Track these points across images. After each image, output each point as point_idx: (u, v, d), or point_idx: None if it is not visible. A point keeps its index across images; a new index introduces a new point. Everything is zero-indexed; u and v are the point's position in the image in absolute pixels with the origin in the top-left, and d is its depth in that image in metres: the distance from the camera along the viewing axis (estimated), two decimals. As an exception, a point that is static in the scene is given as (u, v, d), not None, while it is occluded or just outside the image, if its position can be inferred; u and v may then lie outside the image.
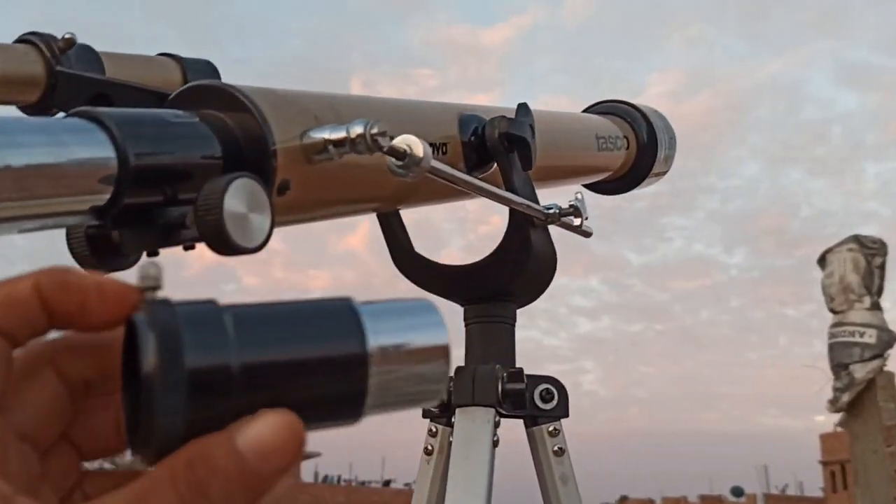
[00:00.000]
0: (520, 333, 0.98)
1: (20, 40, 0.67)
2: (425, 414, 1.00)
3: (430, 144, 0.80)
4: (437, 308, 0.36)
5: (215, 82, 0.62)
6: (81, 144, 0.50)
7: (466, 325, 0.97)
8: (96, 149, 0.50)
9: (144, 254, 0.56)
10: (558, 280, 0.96)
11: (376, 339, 0.34)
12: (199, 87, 0.62)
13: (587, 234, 1.03)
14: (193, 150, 0.57)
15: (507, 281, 0.94)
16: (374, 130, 0.61)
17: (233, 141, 0.60)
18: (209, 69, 0.85)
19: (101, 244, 0.58)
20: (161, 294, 0.32)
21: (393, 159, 0.67)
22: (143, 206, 0.54)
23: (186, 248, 0.59)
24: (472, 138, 0.88)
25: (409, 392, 0.35)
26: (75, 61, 0.67)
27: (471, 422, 0.89)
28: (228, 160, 0.59)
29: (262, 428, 0.30)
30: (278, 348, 0.32)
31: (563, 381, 0.96)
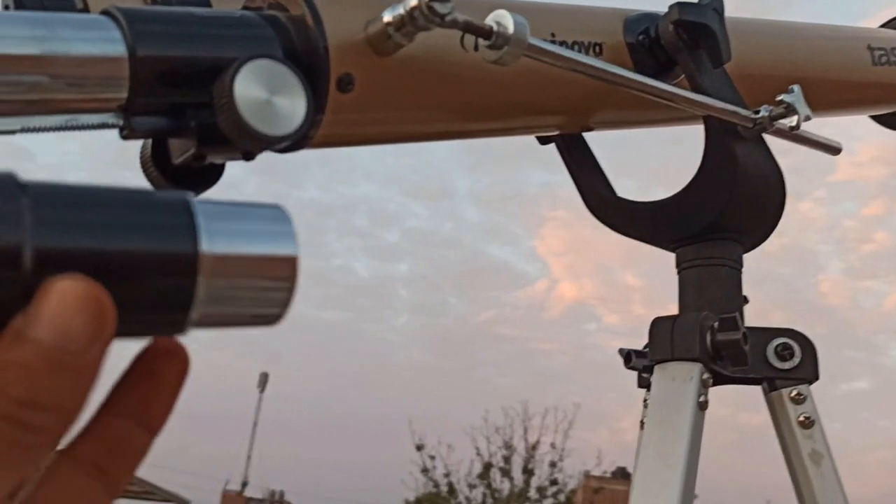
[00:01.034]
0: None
1: None
2: (641, 383, 0.85)
3: (575, 43, 0.68)
4: (289, 215, 0.30)
5: None
6: (86, 40, 0.48)
7: (679, 273, 0.81)
8: (105, 44, 0.48)
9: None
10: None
11: (210, 241, 0.28)
12: None
13: (832, 149, 0.81)
14: (229, 46, 0.52)
15: (712, 210, 0.76)
16: (428, -5, 0.52)
17: (286, 37, 0.55)
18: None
19: (167, 169, 0.56)
20: None
21: (481, 40, 0.56)
22: (177, 107, 0.51)
23: (246, 158, 0.55)
24: (643, 38, 0.73)
25: (243, 305, 0.29)
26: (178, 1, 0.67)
27: (670, 379, 0.73)
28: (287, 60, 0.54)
29: (52, 298, 0.25)
30: (85, 235, 0.26)
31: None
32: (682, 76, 0.75)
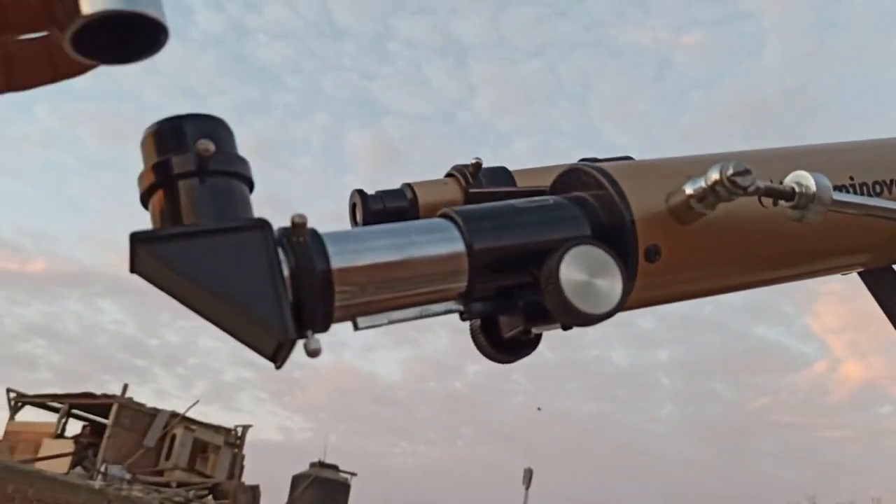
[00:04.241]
0: None
1: (448, 174, 0.79)
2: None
3: (876, 183, 0.68)
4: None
5: (581, 165, 0.64)
6: (433, 241, 0.56)
7: None
8: (449, 243, 0.56)
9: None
10: None
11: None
12: (571, 170, 0.64)
13: None
14: (547, 231, 0.59)
15: None
16: (731, 172, 0.55)
17: (594, 215, 0.60)
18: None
19: (492, 335, 0.63)
20: None
21: (782, 202, 0.59)
22: (506, 289, 0.58)
23: (565, 328, 0.61)
24: (950, 166, 0.71)
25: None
26: (487, 182, 0.76)
27: None
28: (596, 236, 0.60)
29: None
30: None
31: None
32: None
